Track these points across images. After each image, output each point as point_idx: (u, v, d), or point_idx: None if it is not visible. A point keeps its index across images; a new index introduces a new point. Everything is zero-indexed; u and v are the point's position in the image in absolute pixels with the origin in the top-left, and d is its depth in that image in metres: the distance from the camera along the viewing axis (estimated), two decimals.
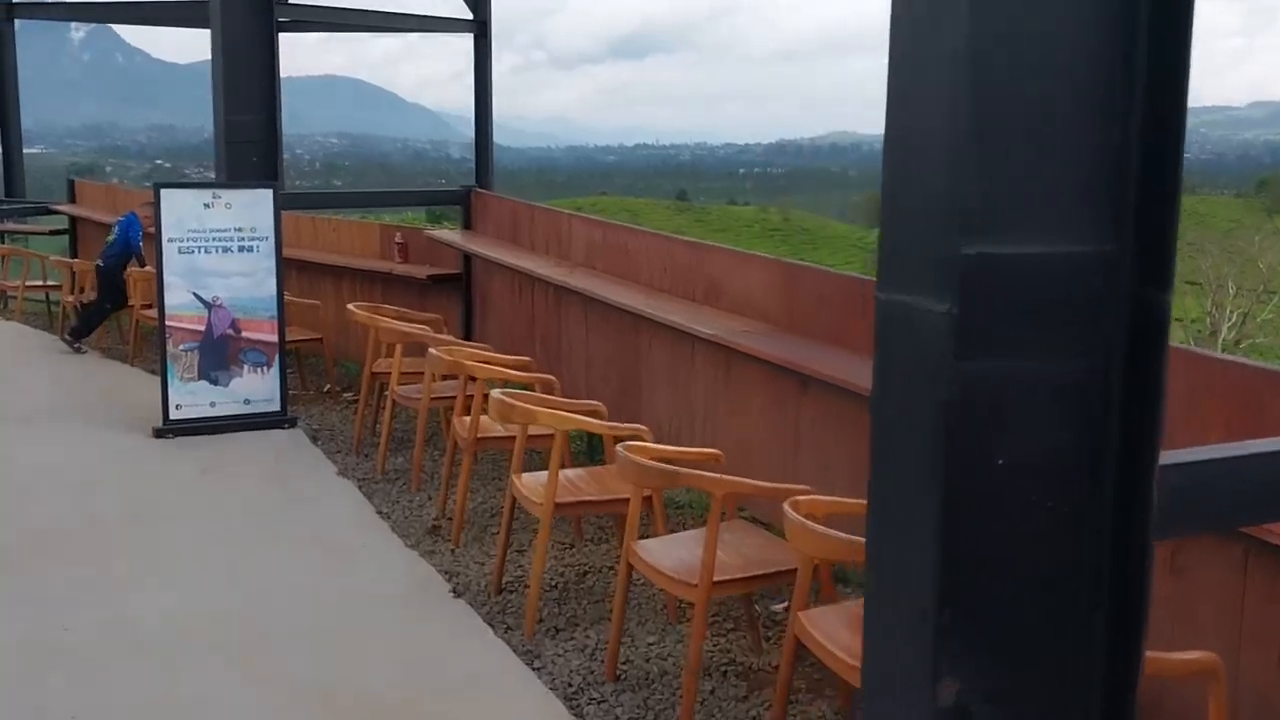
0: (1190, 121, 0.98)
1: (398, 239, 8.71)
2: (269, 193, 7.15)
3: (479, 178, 20.96)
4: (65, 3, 16.17)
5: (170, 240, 6.99)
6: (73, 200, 12.53)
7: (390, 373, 6.29)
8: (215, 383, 7.12)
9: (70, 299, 10.10)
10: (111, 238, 9.61)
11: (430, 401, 5.89)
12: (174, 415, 7.01)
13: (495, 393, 4.55)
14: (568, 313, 6.81)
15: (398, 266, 8.55)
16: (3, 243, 12.52)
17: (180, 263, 7.02)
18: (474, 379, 5.34)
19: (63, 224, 12.64)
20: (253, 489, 6.01)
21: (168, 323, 7.02)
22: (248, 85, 7.10)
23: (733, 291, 5.51)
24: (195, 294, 7.07)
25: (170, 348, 7.03)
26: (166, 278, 7.00)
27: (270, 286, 7.20)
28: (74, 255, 12.36)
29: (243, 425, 7.11)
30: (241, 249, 7.15)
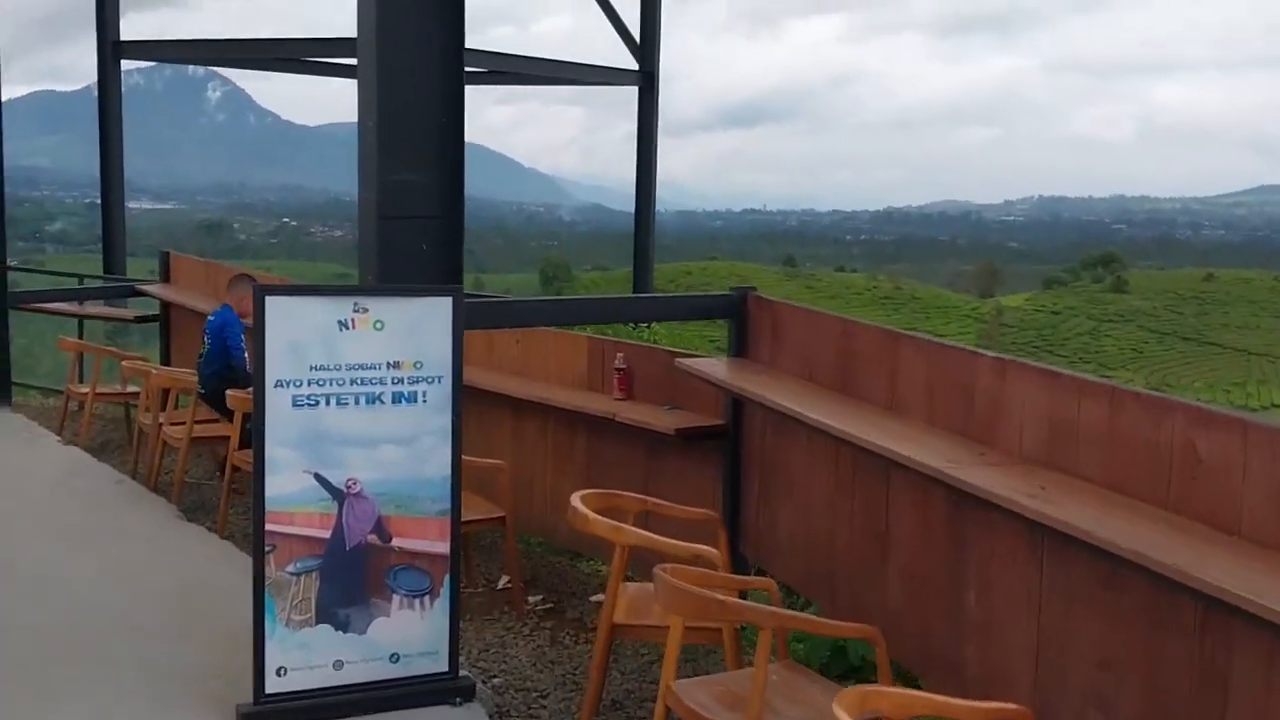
0: None
1: (618, 362, 5.71)
2: (447, 303, 4.21)
3: (638, 241, 18.28)
4: (174, 41, 14.31)
5: (278, 385, 4.09)
6: (166, 278, 9.86)
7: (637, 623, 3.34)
8: (344, 627, 4.15)
9: (147, 419, 7.36)
10: (205, 349, 6.85)
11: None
12: (274, 687, 4.05)
13: None
14: (981, 534, 3.70)
15: (621, 407, 5.54)
16: (80, 334, 9.97)
17: (294, 424, 4.10)
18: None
19: (154, 308, 10.01)
20: None
21: (269, 526, 4.09)
22: (418, 137, 4.21)
23: None
24: (318, 476, 4.14)
25: (272, 571, 4.09)
26: (270, 450, 4.08)
27: (442, 460, 4.24)
28: (166, 350, 9.69)
29: (387, 700, 4.13)
30: (399, 398, 4.21)
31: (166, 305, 9.63)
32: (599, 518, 3.64)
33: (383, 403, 4.20)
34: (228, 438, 6.49)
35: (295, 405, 4.11)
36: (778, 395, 4.43)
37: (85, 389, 8.33)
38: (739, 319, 5.07)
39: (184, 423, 6.97)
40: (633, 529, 3.60)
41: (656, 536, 3.55)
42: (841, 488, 4.36)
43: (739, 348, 5.09)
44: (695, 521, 4.26)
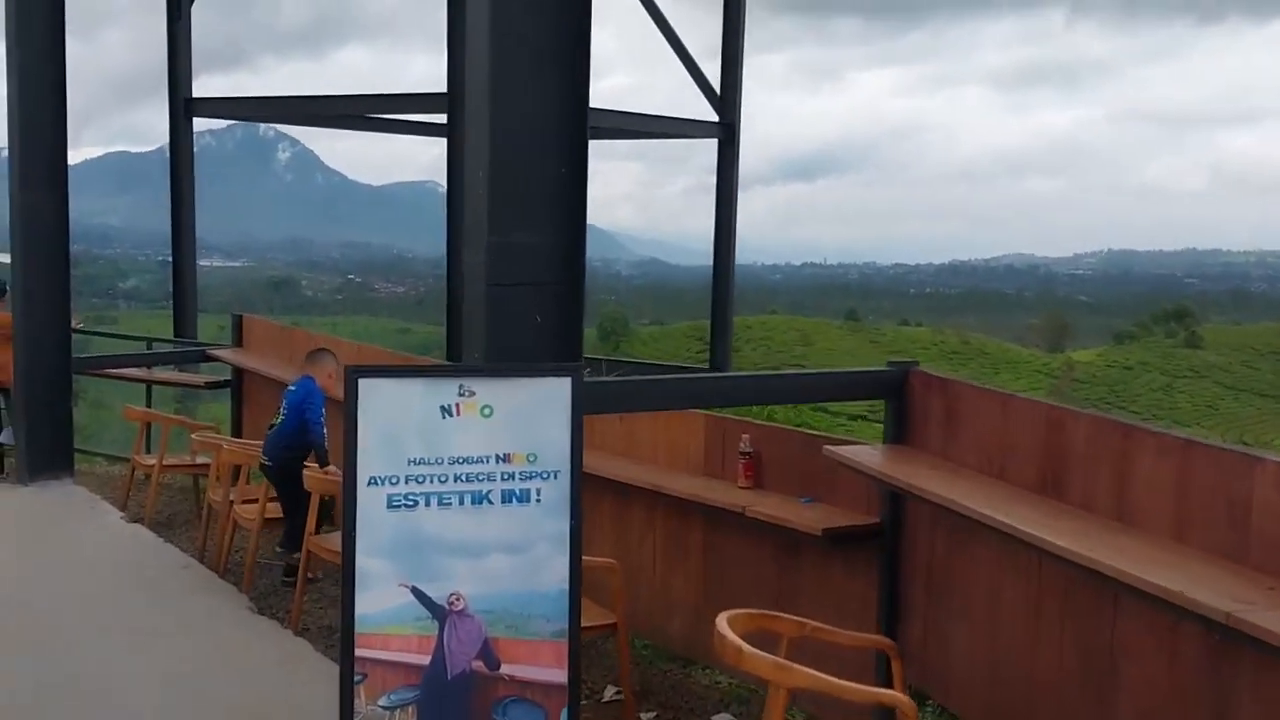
0: None
1: (744, 445, 5.04)
2: (565, 384, 3.60)
3: (716, 295, 17.64)
4: (244, 99, 14.15)
5: (371, 483, 3.49)
6: (239, 342, 9.39)
7: None
8: None
9: (217, 495, 6.83)
10: (279, 419, 6.30)
11: None
12: None
13: None
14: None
15: (750, 499, 4.86)
16: (149, 399, 9.53)
17: (389, 528, 3.50)
18: None
19: (225, 372, 9.54)
20: None
21: (359, 651, 3.47)
22: (535, 192, 3.62)
23: None
24: (416, 591, 3.51)
25: (362, 705, 3.45)
26: (361, 561, 3.47)
27: (559, 571, 3.60)
28: (237, 418, 9.20)
29: None
30: (509, 497, 3.59)
31: (239, 371, 9.15)
32: (758, 654, 2.96)
33: (491, 503, 3.58)
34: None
35: (391, 506, 3.51)
36: (957, 493, 3.73)
37: (152, 460, 7.83)
38: (899, 399, 4.37)
39: (256, 500, 6.42)
40: (802, 670, 2.92)
41: (831, 679, 2.86)
42: (1045, 610, 3.63)
43: (899, 433, 4.38)
44: (860, 648, 3.57)
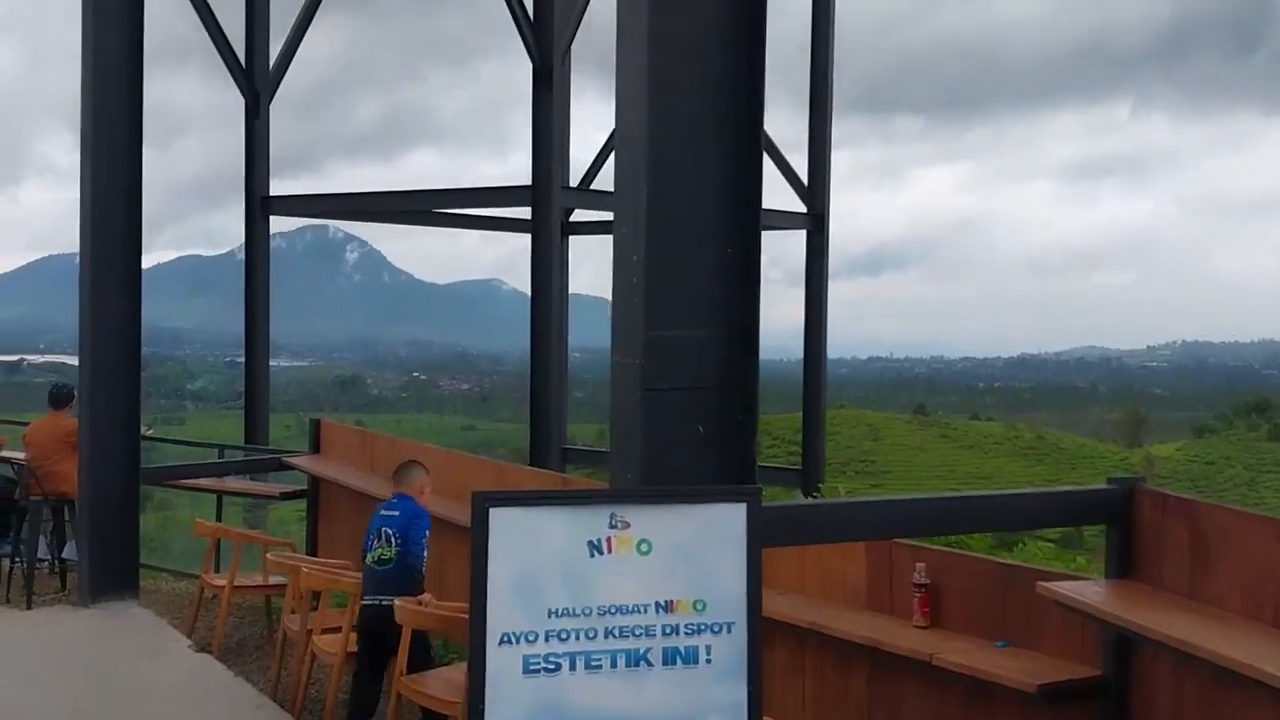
0: None
1: (919, 575, 4.23)
2: (739, 512, 2.87)
3: (807, 388, 16.87)
4: (318, 196, 13.99)
5: (505, 641, 2.76)
6: (315, 449, 8.77)
7: None
8: None
9: (293, 623, 6.12)
10: (386, 551, 5.49)
11: None
12: None
13: None
14: None
15: (932, 642, 4.05)
16: (219, 512, 8.93)
17: (526, 697, 2.76)
18: None
19: (301, 482, 8.92)
20: None
21: None
22: (699, 280, 2.95)
23: None
24: None
25: None
26: None
27: None
28: (313, 531, 8.54)
29: None
30: (672, 656, 2.85)
31: (315, 480, 8.52)
32: None
33: (650, 664, 2.84)
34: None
35: (528, 671, 2.77)
36: (1217, 641, 2.93)
37: (222, 580, 7.17)
38: (1124, 524, 3.57)
39: (338, 630, 5.71)
40: None
41: None
42: None
43: (1125, 565, 3.58)
44: None
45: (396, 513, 5.55)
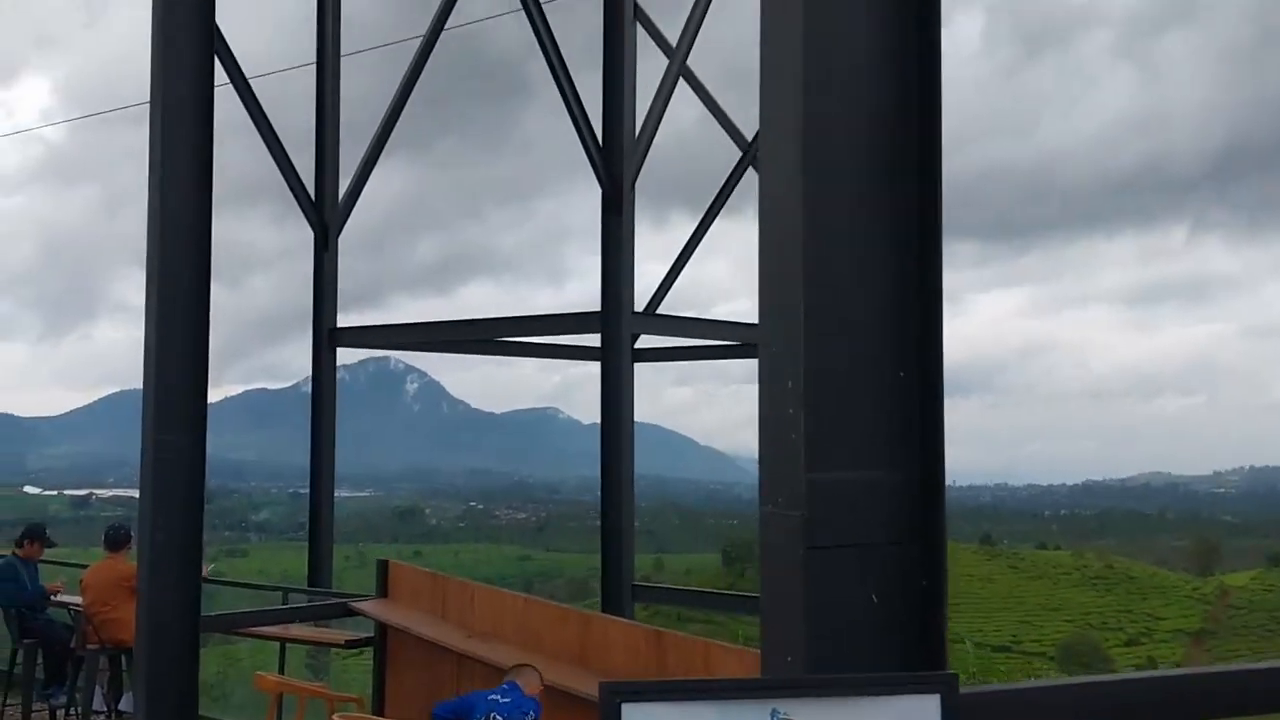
0: None
1: None
2: (931, 706, 2.29)
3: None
4: (384, 327, 13.78)
5: None
6: (384, 592, 8.23)
7: None
8: None
9: None
10: None
11: None
12: None
13: None
14: None
15: None
16: (281, 662, 8.39)
17: None
18: None
19: (368, 628, 8.36)
20: None
21: None
22: (866, 412, 2.42)
23: None
24: None
25: None
26: None
27: None
28: (380, 684, 7.93)
29: None
30: None
31: (383, 627, 7.97)
32: None
33: None
34: None
35: None
36: None
37: None
38: None
39: None
40: None
41: None
42: None
43: None
44: None
45: (509, 700, 5.21)
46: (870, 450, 2.48)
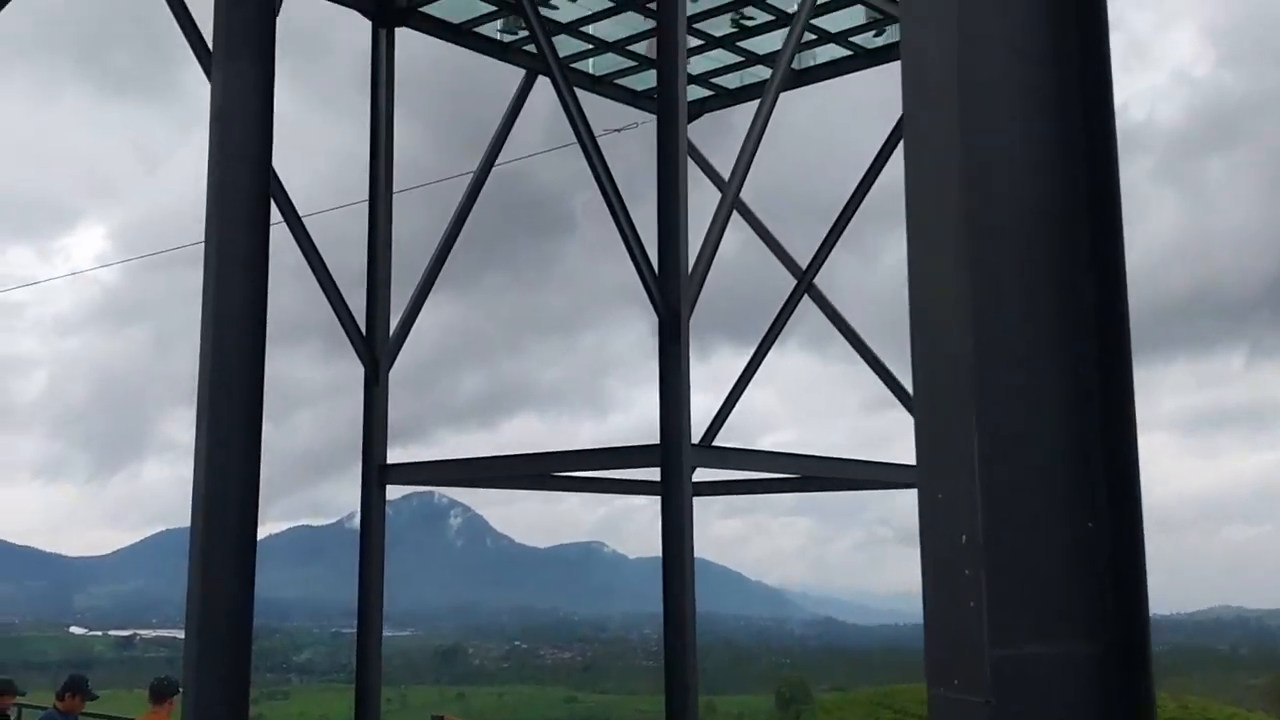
0: None
1: None
2: None
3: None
4: (433, 463, 13.46)
5: None
6: None
7: None
8: None
9: None
10: None
11: None
12: None
13: None
14: None
15: None
16: None
17: None
18: None
19: None
20: None
21: None
22: (1053, 566, 1.95)
23: None
24: None
25: None
26: None
27: None
28: None
29: None
30: None
31: None
32: None
33: None
34: None
35: None
36: None
37: None
38: None
39: None
40: None
41: None
42: None
43: None
44: None
45: None
46: (1063, 618, 2.03)
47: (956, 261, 2.10)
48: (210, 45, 7.04)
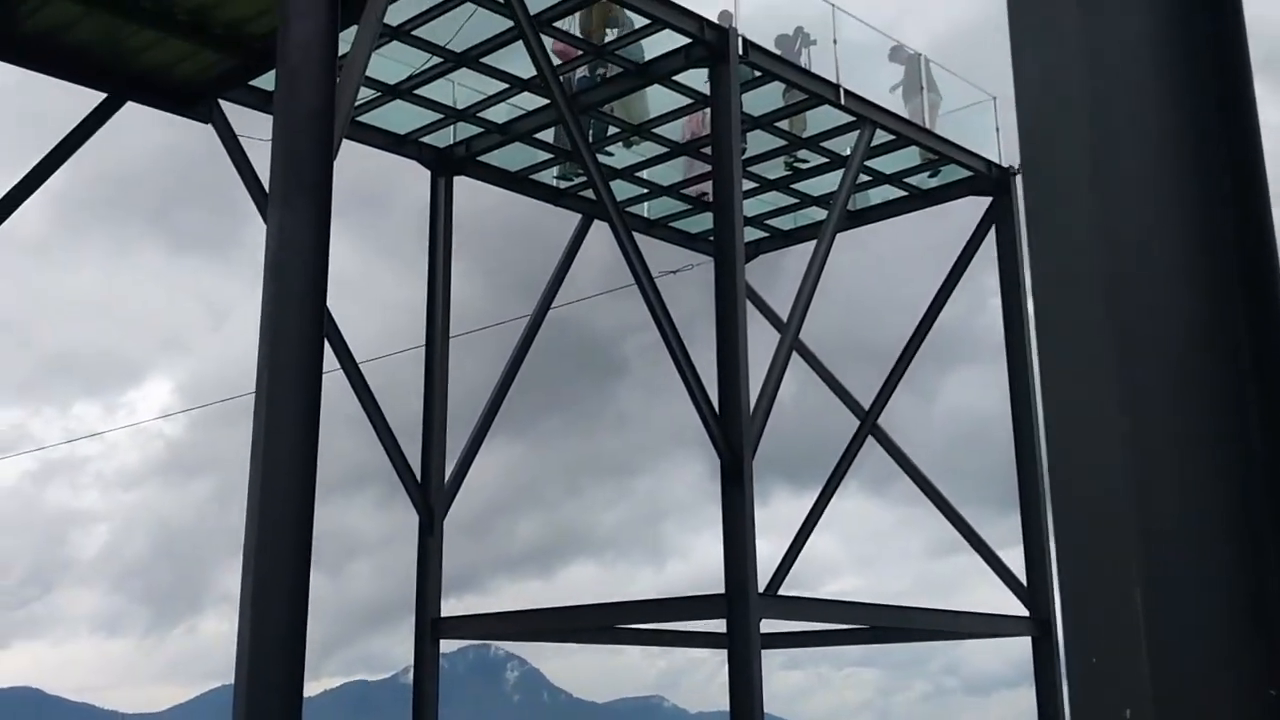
0: None
1: None
2: None
3: None
4: (487, 616, 13.07)
5: None
6: None
7: None
8: None
9: None
10: None
11: None
12: None
13: None
14: None
15: None
16: None
17: None
18: None
19: None
20: None
21: None
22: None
23: None
24: None
25: None
26: None
27: None
28: None
29: None
30: None
31: None
32: None
33: None
34: None
35: None
36: None
37: None
38: None
39: None
40: None
41: None
42: None
43: None
44: None
45: None
46: None
47: (1108, 392, 1.77)
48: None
